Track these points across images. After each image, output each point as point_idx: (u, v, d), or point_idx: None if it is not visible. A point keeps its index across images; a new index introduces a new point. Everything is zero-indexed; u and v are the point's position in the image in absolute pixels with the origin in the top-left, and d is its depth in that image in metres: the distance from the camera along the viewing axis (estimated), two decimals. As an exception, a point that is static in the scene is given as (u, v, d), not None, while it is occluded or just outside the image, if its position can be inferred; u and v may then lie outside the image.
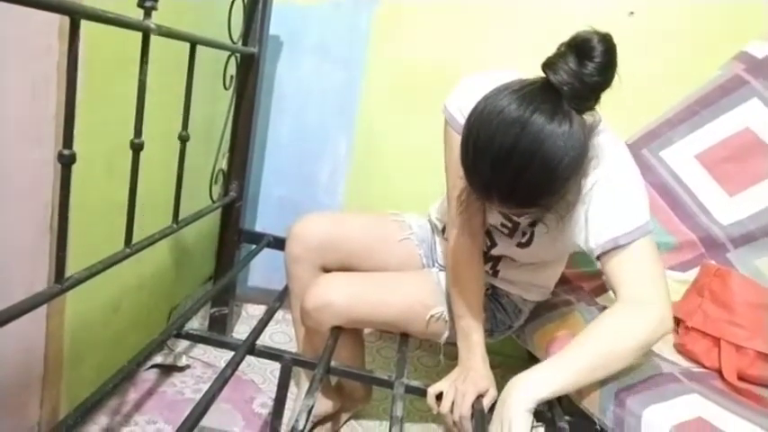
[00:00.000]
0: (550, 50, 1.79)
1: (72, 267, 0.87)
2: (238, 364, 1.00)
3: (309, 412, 0.89)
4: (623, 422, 0.95)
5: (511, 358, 1.67)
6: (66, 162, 0.80)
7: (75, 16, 0.73)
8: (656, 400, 0.94)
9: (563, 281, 1.34)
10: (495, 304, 1.17)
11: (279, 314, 1.79)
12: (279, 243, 1.63)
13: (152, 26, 0.91)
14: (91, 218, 1.07)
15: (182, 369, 1.47)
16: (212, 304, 1.67)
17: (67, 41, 0.75)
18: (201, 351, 1.56)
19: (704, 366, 1.07)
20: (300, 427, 0.84)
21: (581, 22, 1.66)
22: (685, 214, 1.32)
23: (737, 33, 1.43)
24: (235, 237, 1.63)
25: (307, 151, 1.77)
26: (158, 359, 1.46)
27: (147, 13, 0.91)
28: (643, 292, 0.90)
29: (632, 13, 1.64)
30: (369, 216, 1.29)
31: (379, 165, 1.74)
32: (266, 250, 1.64)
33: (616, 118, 1.57)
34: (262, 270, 1.86)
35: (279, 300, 1.27)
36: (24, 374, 1.02)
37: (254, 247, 1.63)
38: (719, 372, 1.03)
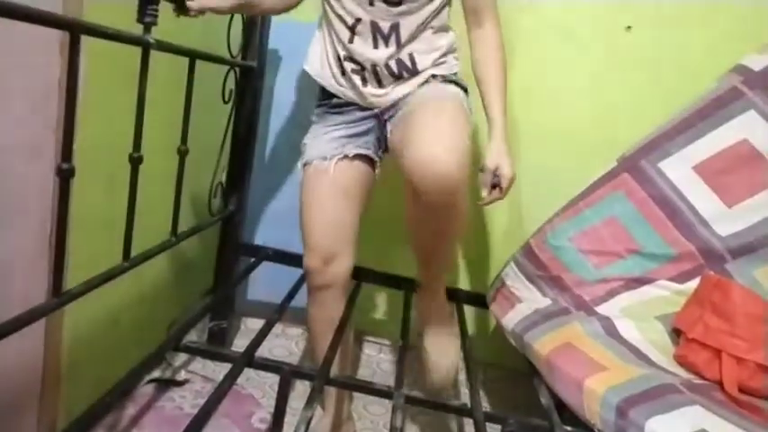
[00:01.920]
0: (552, 65, 1.80)
1: (72, 281, 0.87)
2: (236, 376, 1.00)
3: (308, 424, 0.89)
4: (625, 433, 0.95)
5: (513, 371, 1.67)
6: (66, 175, 0.80)
7: (75, 31, 0.74)
8: (658, 412, 0.94)
9: (562, 287, 1.34)
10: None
11: (278, 328, 1.78)
12: (278, 256, 1.64)
13: (151, 41, 0.92)
14: (92, 231, 1.07)
15: (180, 384, 1.46)
16: (211, 318, 1.67)
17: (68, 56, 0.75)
18: (200, 365, 1.56)
19: (705, 378, 1.06)
20: (299, 439, 0.84)
21: (580, 36, 1.69)
22: (684, 225, 1.32)
23: (735, 47, 1.44)
24: (234, 250, 1.63)
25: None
26: (156, 373, 1.45)
27: (147, 29, 0.92)
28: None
29: (630, 27, 1.66)
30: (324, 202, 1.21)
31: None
32: (268, 264, 1.64)
33: (613, 129, 1.59)
34: (262, 283, 1.86)
35: (278, 312, 1.27)
36: (21, 390, 1.02)
37: (253, 260, 1.62)
38: (720, 383, 1.03)
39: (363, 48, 1.15)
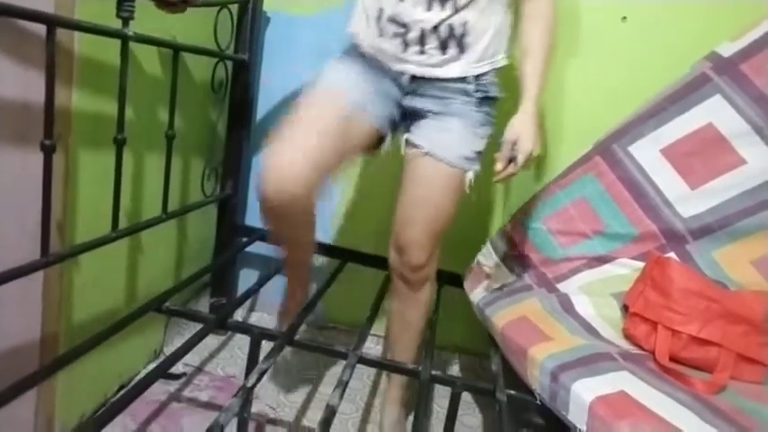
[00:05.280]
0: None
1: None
2: (206, 334, 1.11)
3: (262, 374, 0.99)
4: (557, 395, 1.02)
5: (479, 355, 1.75)
6: (48, 150, 0.92)
7: (51, 25, 0.86)
8: (585, 375, 1.00)
9: (528, 266, 1.41)
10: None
11: (264, 294, 1.86)
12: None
13: (129, 34, 1.04)
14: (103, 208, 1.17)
15: (177, 377, 1.51)
16: (211, 294, 1.80)
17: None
18: (197, 358, 1.60)
19: (643, 349, 1.11)
20: (249, 385, 0.95)
21: (575, 26, 1.71)
22: (649, 206, 1.36)
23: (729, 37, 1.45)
24: (230, 231, 1.74)
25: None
26: (152, 365, 1.51)
27: (125, 23, 1.03)
28: None
29: (625, 18, 1.68)
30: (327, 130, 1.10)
31: (370, 164, 1.81)
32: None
33: (607, 120, 1.60)
34: (262, 263, 1.97)
35: (258, 283, 1.38)
36: (19, 373, 1.03)
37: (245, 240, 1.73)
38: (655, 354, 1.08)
39: (414, 8, 1.08)
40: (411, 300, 1.30)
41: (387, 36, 1.11)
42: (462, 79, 1.13)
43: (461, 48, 1.11)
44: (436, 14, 1.08)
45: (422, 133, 1.16)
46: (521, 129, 1.11)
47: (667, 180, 1.36)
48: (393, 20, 1.10)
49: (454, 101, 1.14)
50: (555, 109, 1.72)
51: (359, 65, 1.17)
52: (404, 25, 1.09)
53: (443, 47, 1.10)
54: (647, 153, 1.40)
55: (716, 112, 1.34)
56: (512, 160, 1.11)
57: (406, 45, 1.11)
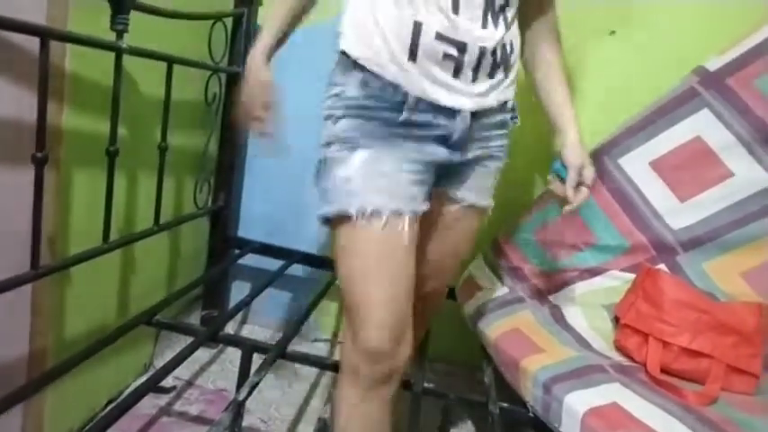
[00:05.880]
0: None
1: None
2: (197, 347, 1.10)
3: (254, 388, 0.99)
4: (549, 407, 1.02)
5: (472, 368, 1.73)
6: (40, 162, 0.92)
7: (45, 37, 0.86)
8: (578, 387, 1.01)
9: (520, 278, 1.41)
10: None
11: (256, 307, 1.86)
12: (264, 249, 1.74)
13: (123, 46, 1.04)
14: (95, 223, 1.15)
15: (168, 390, 1.49)
16: (203, 307, 1.79)
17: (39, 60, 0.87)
18: (187, 372, 1.59)
19: (634, 361, 1.12)
20: (241, 398, 0.94)
21: (563, 40, 1.72)
22: (639, 218, 1.37)
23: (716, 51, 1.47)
24: (222, 243, 1.73)
25: (291, 169, 1.80)
26: (142, 379, 1.46)
27: (119, 36, 1.04)
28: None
29: (614, 32, 1.70)
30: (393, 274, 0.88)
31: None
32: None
33: (596, 134, 1.61)
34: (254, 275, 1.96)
35: (250, 296, 1.37)
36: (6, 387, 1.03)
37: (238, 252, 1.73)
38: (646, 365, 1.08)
39: (471, 24, 0.84)
40: (415, 328, 1.26)
41: (430, 59, 0.84)
42: (503, 106, 0.96)
43: (506, 71, 0.93)
44: (492, 32, 0.86)
45: (462, 186, 0.99)
46: (582, 154, 1.03)
47: (657, 192, 1.38)
48: (444, 38, 0.83)
49: (493, 138, 0.97)
50: (545, 123, 1.73)
51: (408, 158, 0.88)
52: (460, 45, 0.84)
53: (494, 70, 0.90)
54: (637, 166, 1.41)
55: (704, 126, 1.36)
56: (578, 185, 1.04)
57: (457, 71, 0.86)
